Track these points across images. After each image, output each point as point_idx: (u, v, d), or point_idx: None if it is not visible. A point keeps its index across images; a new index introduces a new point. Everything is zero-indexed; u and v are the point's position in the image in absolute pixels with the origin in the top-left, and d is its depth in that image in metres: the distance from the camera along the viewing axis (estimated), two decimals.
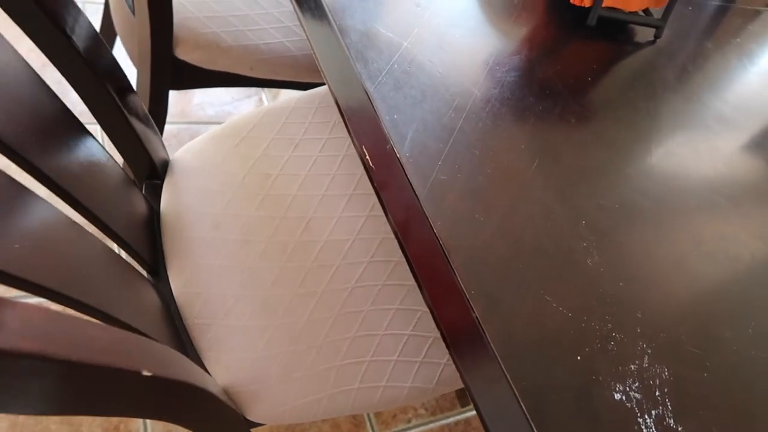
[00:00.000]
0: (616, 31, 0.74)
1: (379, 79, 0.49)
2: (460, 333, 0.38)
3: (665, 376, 0.40)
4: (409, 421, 1.18)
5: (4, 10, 0.47)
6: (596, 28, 0.71)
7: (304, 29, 0.55)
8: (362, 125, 0.47)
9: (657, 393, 0.39)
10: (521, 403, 0.36)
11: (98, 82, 0.54)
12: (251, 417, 0.61)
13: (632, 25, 0.76)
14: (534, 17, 0.69)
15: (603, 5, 0.70)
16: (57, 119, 0.49)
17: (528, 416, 0.35)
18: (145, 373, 0.33)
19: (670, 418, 0.38)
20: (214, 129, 0.83)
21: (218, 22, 1.00)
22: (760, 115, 0.70)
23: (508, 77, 0.57)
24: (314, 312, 0.65)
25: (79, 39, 0.51)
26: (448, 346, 0.40)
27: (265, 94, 1.65)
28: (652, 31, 0.77)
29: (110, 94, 0.56)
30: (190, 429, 0.51)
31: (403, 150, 0.44)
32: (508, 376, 0.36)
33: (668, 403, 0.39)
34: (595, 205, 0.50)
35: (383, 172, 0.45)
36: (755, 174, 0.60)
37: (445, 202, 0.43)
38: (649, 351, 0.41)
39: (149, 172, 0.73)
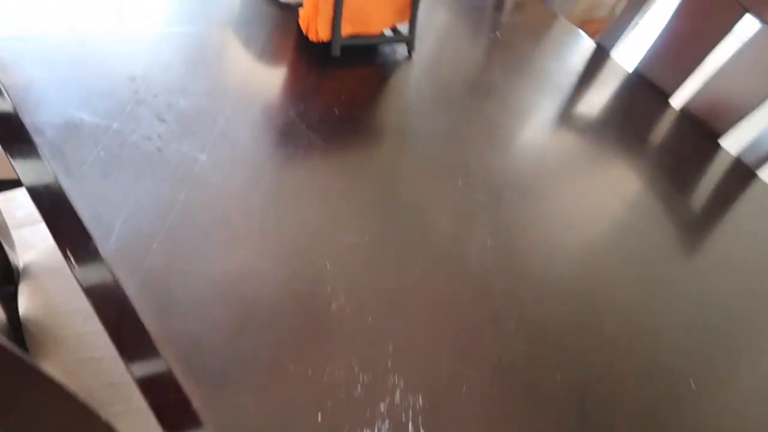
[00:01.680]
0: (369, 55, 0.76)
1: (82, 169, 0.45)
2: (181, 427, 0.36)
3: (419, 405, 0.40)
4: None
5: None
6: (347, 58, 0.72)
7: None
8: (62, 225, 0.43)
9: (411, 426, 0.38)
10: None
11: None
12: None
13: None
14: (278, 63, 0.69)
15: (343, 35, 0.71)
16: None
17: None
18: None
19: None
20: None
21: None
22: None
23: (242, 133, 0.56)
24: None
25: None
26: None
27: None
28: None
29: None
30: None
31: (108, 244, 0.41)
32: None
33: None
34: (342, 243, 0.49)
35: (89, 273, 0.41)
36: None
37: (159, 290, 0.40)
38: (402, 383, 0.40)
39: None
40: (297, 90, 0.65)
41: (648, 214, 0.67)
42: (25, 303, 0.71)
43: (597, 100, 0.86)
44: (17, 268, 0.75)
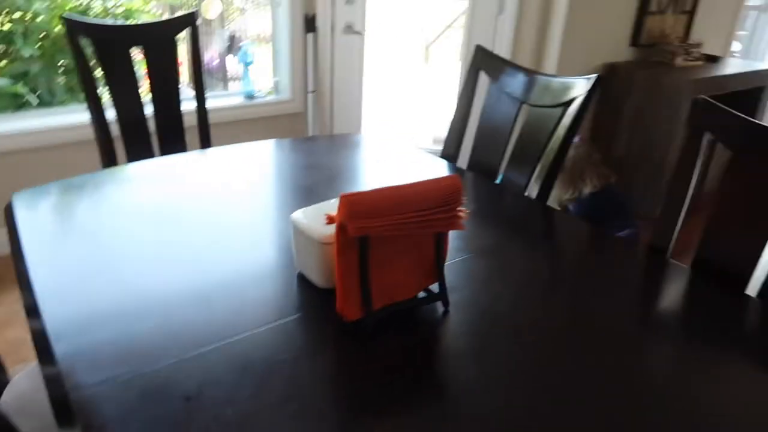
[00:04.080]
0: (408, 318, 0.81)
1: None
2: None
3: None
4: None
5: None
6: (386, 326, 0.77)
7: None
8: None
9: None
10: None
11: None
12: None
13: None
14: (321, 349, 0.76)
15: (376, 308, 0.78)
16: None
17: None
18: None
19: None
20: None
21: None
22: None
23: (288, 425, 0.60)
24: None
25: None
26: None
27: None
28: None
29: None
30: None
31: None
32: None
33: None
34: None
35: None
36: None
37: None
38: None
39: None
40: (340, 374, 0.70)
41: None
42: None
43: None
44: None
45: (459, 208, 0.78)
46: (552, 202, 2.30)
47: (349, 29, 2.36)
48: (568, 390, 0.70)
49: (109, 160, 1.60)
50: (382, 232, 0.73)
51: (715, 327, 0.85)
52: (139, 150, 1.60)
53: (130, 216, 1.06)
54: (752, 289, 0.96)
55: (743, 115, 1.01)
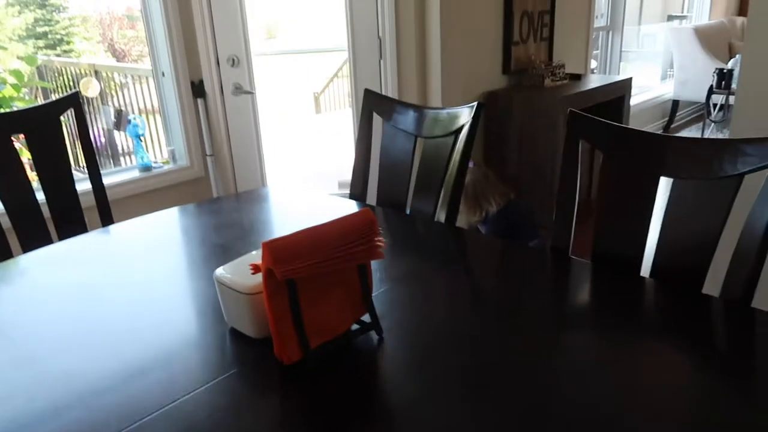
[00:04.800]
0: (346, 353, 0.83)
1: None
2: None
3: None
4: None
5: None
6: (328, 362, 0.79)
7: None
8: None
9: None
10: None
11: None
12: None
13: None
14: (264, 394, 0.76)
15: (313, 346, 0.79)
16: None
17: None
18: None
19: None
20: None
21: None
22: None
23: None
24: None
25: None
26: None
27: None
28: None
29: None
30: None
31: None
32: None
33: None
34: None
35: None
36: None
37: None
38: None
39: None
40: (286, 417, 0.71)
41: None
42: None
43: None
44: None
45: (376, 238, 0.82)
46: (462, 225, 2.42)
47: (239, 90, 2.40)
48: (506, 386, 0.75)
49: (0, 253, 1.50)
50: (308, 272, 0.75)
51: (620, 308, 0.94)
52: (34, 237, 1.52)
53: (39, 304, 1.01)
54: (645, 270, 1.08)
55: (609, 122, 1.15)
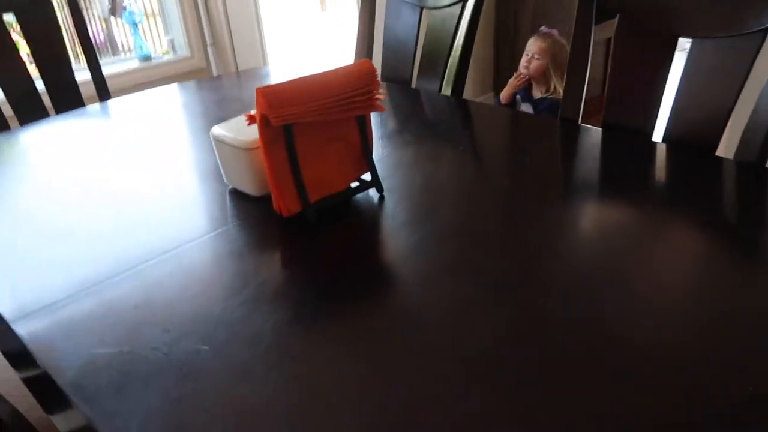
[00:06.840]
0: (346, 210, 0.82)
1: (96, 394, 0.50)
2: None
3: None
4: None
5: None
6: (327, 220, 0.78)
7: None
8: None
9: None
10: None
11: None
12: None
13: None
14: (266, 248, 0.76)
15: (312, 201, 0.78)
16: None
17: None
18: None
19: None
20: None
21: None
22: None
23: (237, 315, 0.60)
24: None
25: None
26: None
27: None
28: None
29: None
30: None
31: None
32: None
33: None
34: (343, 407, 0.51)
35: None
36: None
37: None
38: None
39: None
40: (288, 265, 0.71)
41: None
42: None
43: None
44: None
45: (376, 90, 0.79)
46: (504, 96, 2.23)
47: None
48: (506, 240, 0.74)
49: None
50: (304, 117, 0.73)
51: (634, 173, 0.91)
52: (31, 111, 1.48)
53: (39, 167, 1.00)
54: (657, 136, 1.04)
55: None
